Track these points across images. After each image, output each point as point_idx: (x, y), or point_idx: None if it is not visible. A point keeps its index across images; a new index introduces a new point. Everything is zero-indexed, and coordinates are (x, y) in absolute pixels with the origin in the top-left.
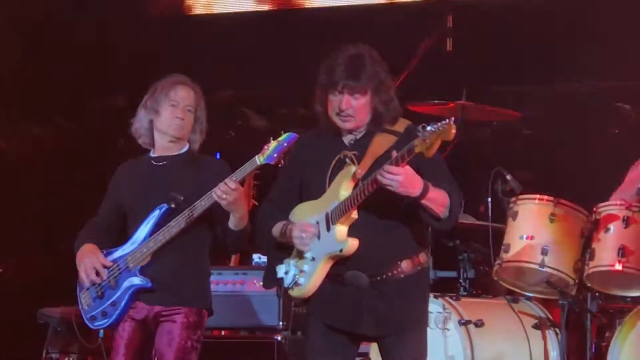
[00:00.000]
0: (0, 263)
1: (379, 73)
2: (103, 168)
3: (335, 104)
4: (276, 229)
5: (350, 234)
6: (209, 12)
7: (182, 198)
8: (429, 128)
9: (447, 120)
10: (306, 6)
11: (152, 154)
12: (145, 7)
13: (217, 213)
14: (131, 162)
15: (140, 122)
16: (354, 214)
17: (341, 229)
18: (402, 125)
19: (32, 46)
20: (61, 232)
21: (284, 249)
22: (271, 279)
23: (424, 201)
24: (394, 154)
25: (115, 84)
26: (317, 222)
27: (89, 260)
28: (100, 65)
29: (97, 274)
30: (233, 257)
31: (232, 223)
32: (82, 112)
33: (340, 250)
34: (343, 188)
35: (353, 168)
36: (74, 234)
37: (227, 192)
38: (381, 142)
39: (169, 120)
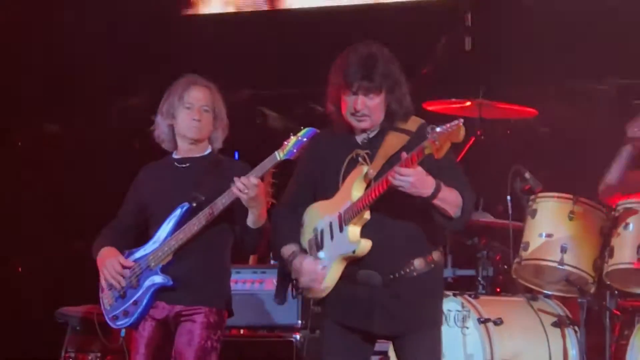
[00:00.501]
0: (18, 262)
1: (393, 71)
2: (121, 167)
3: (349, 104)
4: (285, 251)
5: (363, 233)
6: (226, 11)
7: (203, 198)
8: (438, 129)
9: (457, 122)
10: (323, 5)
11: (174, 156)
12: (162, 6)
13: (237, 212)
14: (153, 164)
15: (159, 128)
16: (367, 215)
17: (354, 230)
18: (414, 124)
19: (49, 45)
20: (79, 231)
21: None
22: (282, 294)
23: (435, 201)
24: (404, 155)
25: (134, 84)
26: (331, 223)
27: (110, 263)
28: (118, 64)
29: (120, 276)
30: (251, 257)
31: (251, 220)
32: (100, 112)
33: (353, 252)
34: (355, 188)
35: (365, 168)
36: (92, 233)
37: (249, 186)
38: (393, 142)
39: (186, 124)
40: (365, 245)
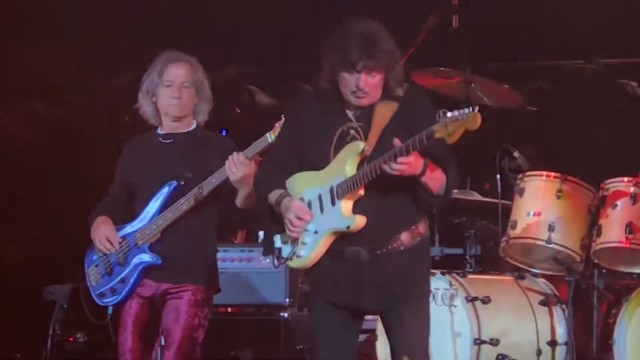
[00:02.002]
0: (6, 241)
1: (393, 49)
2: (109, 145)
3: (351, 82)
4: (273, 196)
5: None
6: None
7: (190, 175)
8: (449, 114)
9: (471, 109)
10: None
11: (159, 131)
12: None
13: (224, 190)
14: (137, 139)
15: (143, 107)
16: (362, 191)
17: (347, 205)
18: (400, 88)
19: (35, 24)
20: (67, 210)
21: (279, 217)
22: (271, 246)
23: (423, 179)
24: (408, 140)
25: (120, 61)
26: (320, 195)
27: (103, 231)
28: (105, 42)
29: (109, 244)
30: (239, 234)
31: (239, 201)
32: (87, 89)
33: (348, 227)
34: (349, 164)
35: (361, 145)
36: (80, 211)
37: (237, 165)
38: (384, 111)
39: (167, 102)
40: (360, 221)
